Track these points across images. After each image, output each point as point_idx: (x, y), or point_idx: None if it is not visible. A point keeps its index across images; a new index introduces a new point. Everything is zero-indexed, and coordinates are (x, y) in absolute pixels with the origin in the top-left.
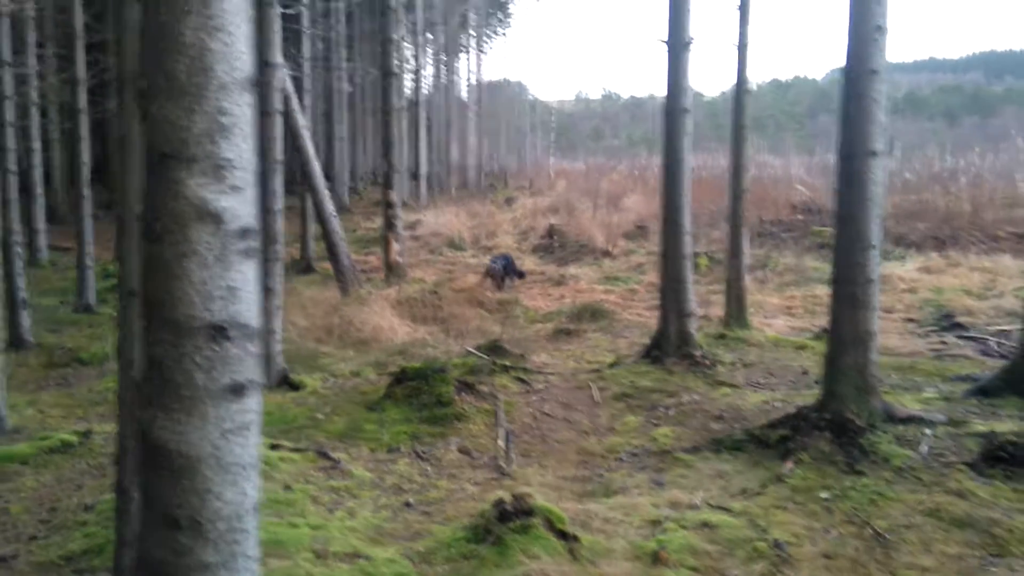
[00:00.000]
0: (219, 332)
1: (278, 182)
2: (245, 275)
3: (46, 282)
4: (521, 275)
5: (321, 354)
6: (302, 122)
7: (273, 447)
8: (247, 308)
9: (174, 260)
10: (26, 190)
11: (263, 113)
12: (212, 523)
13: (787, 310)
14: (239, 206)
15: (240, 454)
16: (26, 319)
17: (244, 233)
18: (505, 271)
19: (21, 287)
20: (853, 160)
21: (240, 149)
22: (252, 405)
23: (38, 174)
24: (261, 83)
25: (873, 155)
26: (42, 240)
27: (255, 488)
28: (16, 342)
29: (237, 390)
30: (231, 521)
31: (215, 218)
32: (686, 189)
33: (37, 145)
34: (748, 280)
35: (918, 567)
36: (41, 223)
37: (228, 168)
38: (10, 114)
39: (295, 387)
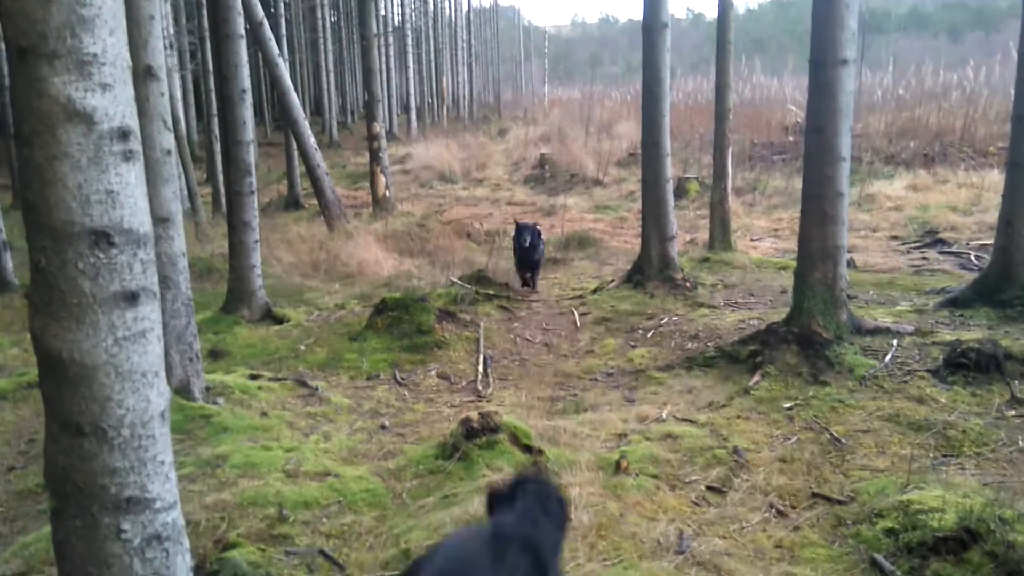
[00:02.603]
0: (102, 238)
1: (246, 111)
2: (126, 179)
3: None
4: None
5: (307, 288)
6: (276, 50)
7: (252, 377)
8: (132, 213)
9: (45, 163)
10: (2, 130)
11: (224, 36)
12: (116, 429)
13: (774, 232)
14: (111, 105)
15: (139, 362)
16: (9, 261)
17: (122, 134)
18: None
19: (1, 228)
20: (823, 68)
21: (106, 43)
22: (148, 312)
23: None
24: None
25: (843, 63)
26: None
27: (160, 395)
28: (0, 284)
29: (129, 298)
30: (135, 428)
31: (85, 118)
32: (666, 110)
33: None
34: (736, 203)
35: (871, 468)
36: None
37: (94, 64)
38: None
39: (279, 320)
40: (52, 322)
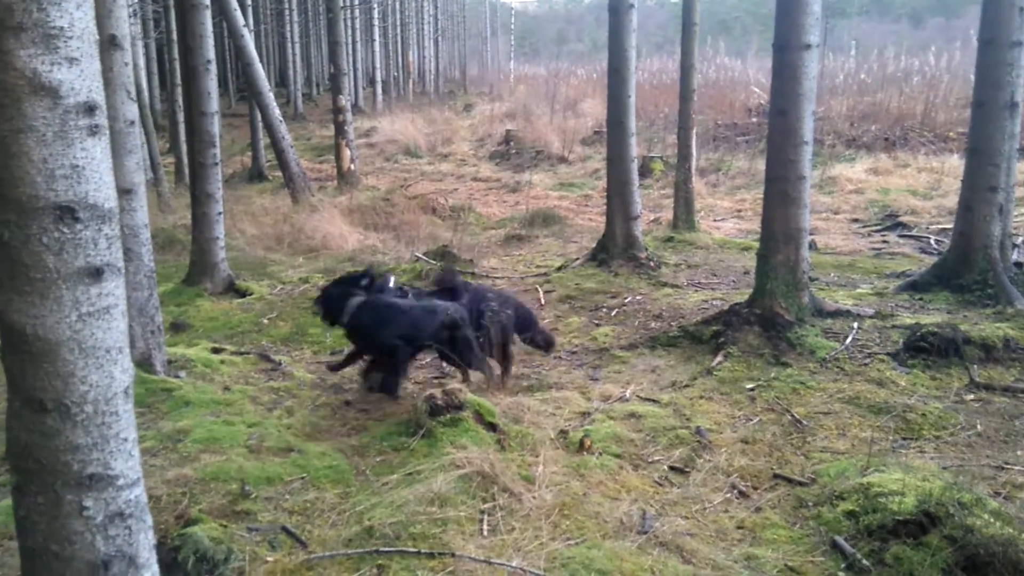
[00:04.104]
0: (66, 213)
1: (210, 82)
2: (92, 153)
3: None
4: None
5: (270, 262)
6: (241, 20)
7: (215, 351)
8: (97, 188)
9: (10, 136)
10: None
11: (189, 6)
12: (79, 406)
13: (737, 213)
14: (77, 80)
15: (103, 338)
16: None
17: (88, 109)
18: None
19: None
20: (786, 52)
21: (73, 17)
22: (112, 289)
23: None
24: None
25: (807, 48)
26: None
27: (124, 372)
28: None
29: (94, 273)
30: (99, 404)
31: (51, 92)
32: (632, 89)
33: None
34: (700, 183)
35: (832, 450)
36: None
37: (61, 38)
38: None
39: (242, 294)
40: (15, 297)
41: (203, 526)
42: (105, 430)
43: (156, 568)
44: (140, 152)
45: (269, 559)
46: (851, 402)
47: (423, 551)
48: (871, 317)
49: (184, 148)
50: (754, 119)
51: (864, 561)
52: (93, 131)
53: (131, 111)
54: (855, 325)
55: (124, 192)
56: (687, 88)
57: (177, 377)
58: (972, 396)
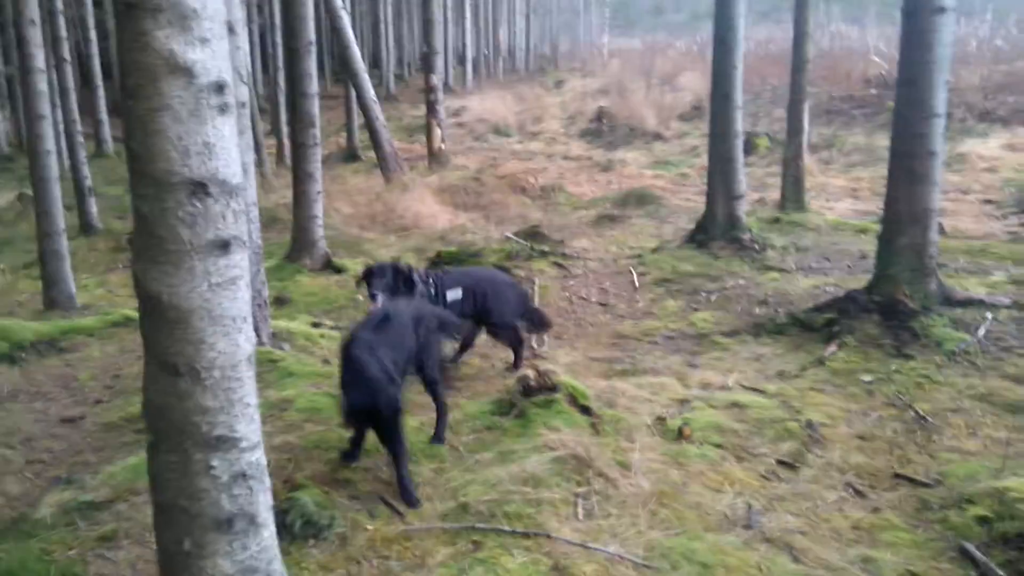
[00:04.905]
0: (199, 188)
1: (311, 64)
2: (222, 131)
3: (113, 172)
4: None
5: (364, 240)
6: (340, 2)
7: (314, 325)
8: (226, 164)
9: (148, 115)
10: (87, 80)
11: None
12: (208, 371)
13: (852, 192)
14: (209, 60)
15: (230, 307)
16: (93, 206)
17: (218, 88)
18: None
19: (87, 176)
20: (916, 17)
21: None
22: (238, 261)
23: (96, 64)
24: None
25: (941, 11)
26: (106, 131)
27: (248, 339)
28: (85, 228)
29: (222, 246)
30: (226, 370)
31: (185, 72)
32: (739, 60)
33: (93, 35)
34: (810, 160)
35: (961, 450)
36: (103, 113)
37: (194, 19)
38: (59, 1)
39: (338, 271)
40: (152, 267)
41: (308, 492)
42: (231, 394)
43: (273, 527)
44: (249, 133)
45: (369, 527)
46: (983, 399)
47: (518, 530)
48: (1007, 307)
49: (285, 130)
50: (873, 91)
51: (998, 571)
52: (223, 109)
53: (242, 93)
54: (988, 315)
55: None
56: (800, 57)
57: (281, 349)
58: None
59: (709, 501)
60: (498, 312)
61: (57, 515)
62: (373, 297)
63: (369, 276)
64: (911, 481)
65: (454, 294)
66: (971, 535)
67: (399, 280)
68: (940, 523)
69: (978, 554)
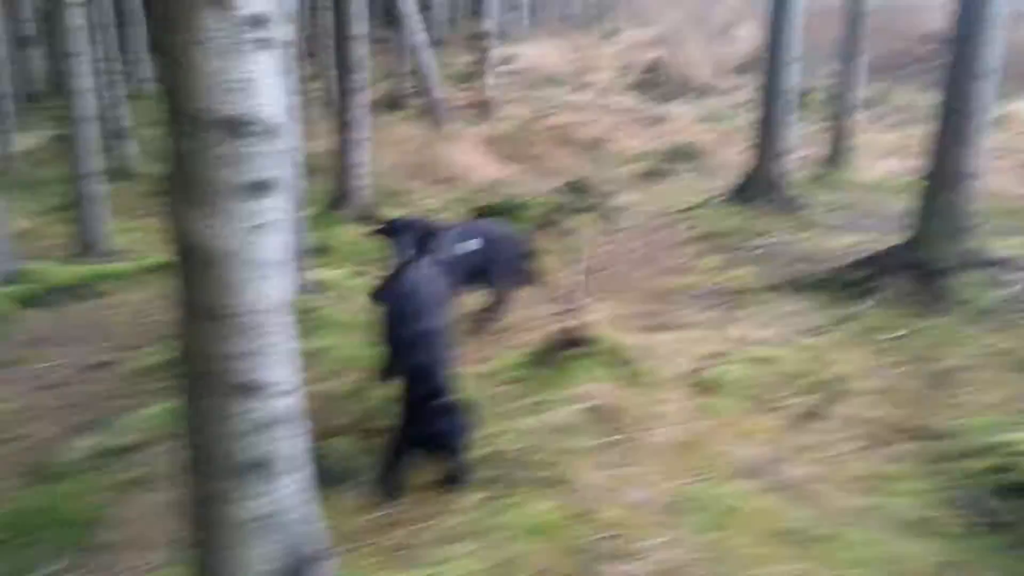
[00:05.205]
0: (238, 127)
1: (359, 3)
2: (262, 67)
3: (152, 113)
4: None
5: (408, 190)
6: None
7: (355, 274)
8: (266, 103)
9: (183, 49)
10: (121, 16)
11: None
12: (245, 315)
13: (901, 150)
14: None
15: (268, 251)
16: (130, 149)
17: (257, 21)
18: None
19: (124, 116)
20: None
21: None
22: (278, 203)
23: (136, 1)
24: None
25: None
26: (145, 69)
27: (286, 285)
28: (122, 171)
29: (262, 187)
30: (263, 315)
31: (222, 2)
32: (797, 10)
33: None
34: (861, 117)
35: (979, 404)
36: (142, 52)
37: None
38: None
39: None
40: (188, 208)
41: (344, 439)
42: (268, 339)
43: (309, 471)
44: (293, 75)
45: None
46: (1006, 355)
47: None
48: None
49: (331, 74)
50: (930, 46)
51: (1005, 518)
52: (262, 44)
53: (285, 32)
54: (1022, 275)
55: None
56: (858, 8)
57: (320, 297)
58: None
59: (734, 450)
60: (498, 267)
61: (87, 459)
62: (401, 255)
63: (393, 232)
64: (929, 433)
65: (473, 245)
66: (982, 484)
67: (427, 236)
68: (953, 473)
69: (987, 502)
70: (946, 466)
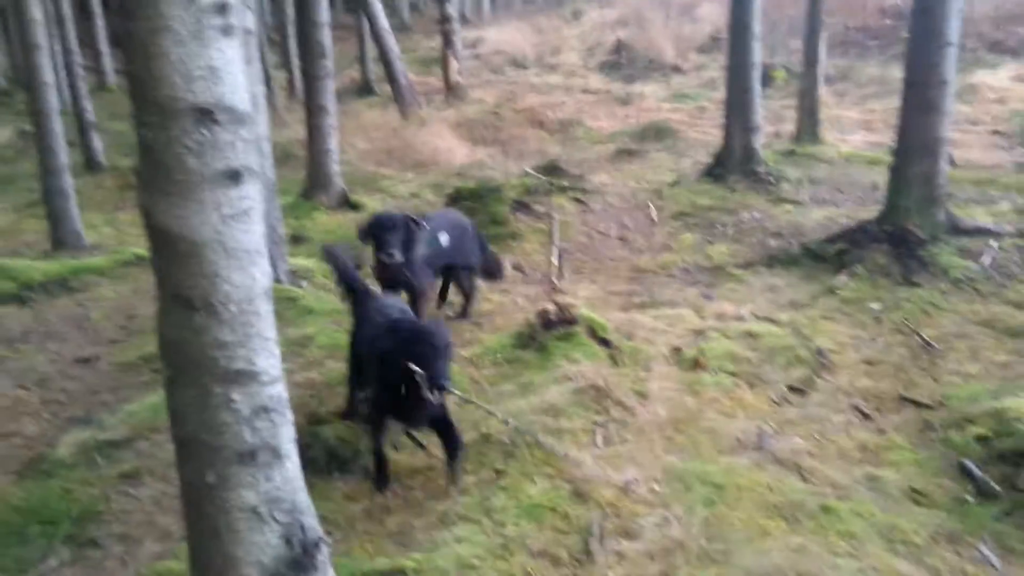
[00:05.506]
0: (205, 115)
1: None
2: (226, 55)
3: (117, 105)
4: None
5: (381, 176)
6: None
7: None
8: (233, 91)
9: (148, 36)
10: (84, 10)
11: None
12: (224, 305)
13: (866, 124)
14: None
15: (243, 240)
16: (97, 142)
17: (220, 8)
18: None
19: (88, 109)
20: None
21: None
22: (251, 192)
23: None
24: None
25: None
26: (107, 62)
27: (264, 273)
28: (91, 165)
29: (233, 176)
30: (242, 304)
31: None
32: None
33: None
34: (826, 92)
35: (962, 373)
36: (104, 45)
37: None
38: None
39: (355, 207)
40: (160, 198)
41: (331, 426)
42: (249, 328)
43: (297, 459)
44: (258, 64)
45: (392, 459)
46: (986, 324)
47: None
48: (1011, 236)
49: (296, 63)
50: (888, 21)
51: (995, 486)
52: (226, 31)
53: (248, 19)
54: (994, 244)
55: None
56: None
57: (299, 287)
58: None
59: (722, 426)
60: (463, 256)
61: (76, 454)
62: (389, 256)
63: (380, 230)
64: (915, 403)
65: (444, 238)
66: (971, 453)
67: (411, 233)
68: (942, 443)
69: (976, 471)
70: (936, 436)
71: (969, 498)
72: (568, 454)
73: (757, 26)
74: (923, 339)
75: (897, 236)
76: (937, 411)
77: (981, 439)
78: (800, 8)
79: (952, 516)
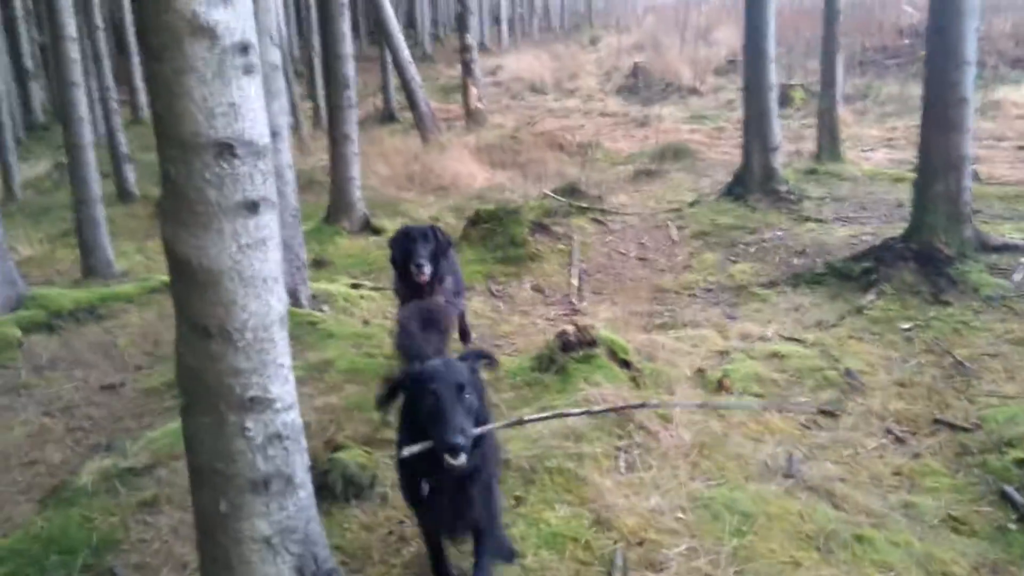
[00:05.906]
0: (226, 149)
1: (345, 25)
2: (247, 92)
3: (150, 138)
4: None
5: (402, 200)
6: None
7: (354, 286)
8: (252, 125)
9: (173, 77)
10: (121, 48)
11: None
12: (240, 332)
13: (887, 142)
14: (233, 20)
15: (260, 268)
16: (130, 173)
17: (243, 49)
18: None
19: (122, 143)
20: None
21: None
22: (268, 221)
23: (130, 31)
24: None
25: None
26: (141, 98)
27: (280, 300)
28: (123, 195)
29: (251, 207)
30: (258, 331)
31: (208, 32)
32: (771, 11)
33: (126, 1)
34: (845, 111)
35: (998, 394)
36: (139, 81)
37: None
38: None
39: (376, 232)
40: (181, 229)
41: (349, 452)
42: (264, 356)
43: (311, 488)
44: (284, 96)
45: None
46: (1021, 343)
47: (563, 485)
48: None
49: (321, 93)
50: (906, 40)
51: None
52: (248, 70)
53: (274, 55)
54: (1023, 261)
55: (270, 134)
56: (832, 8)
57: (320, 311)
58: None
59: (750, 451)
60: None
61: (98, 482)
62: (419, 267)
63: (410, 242)
64: (950, 426)
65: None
66: (1010, 478)
67: (440, 247)
68: (979, 467)
69: (1018, 496)
70: (973, 460)
71: (1011, 525)
72: (592, 480)
73: (771, 49)
74: (956, 359)
75: (924, 254)
76: (974, 434)
77: (1021, 463)
78: (817, 29)
79: (994, 545)
